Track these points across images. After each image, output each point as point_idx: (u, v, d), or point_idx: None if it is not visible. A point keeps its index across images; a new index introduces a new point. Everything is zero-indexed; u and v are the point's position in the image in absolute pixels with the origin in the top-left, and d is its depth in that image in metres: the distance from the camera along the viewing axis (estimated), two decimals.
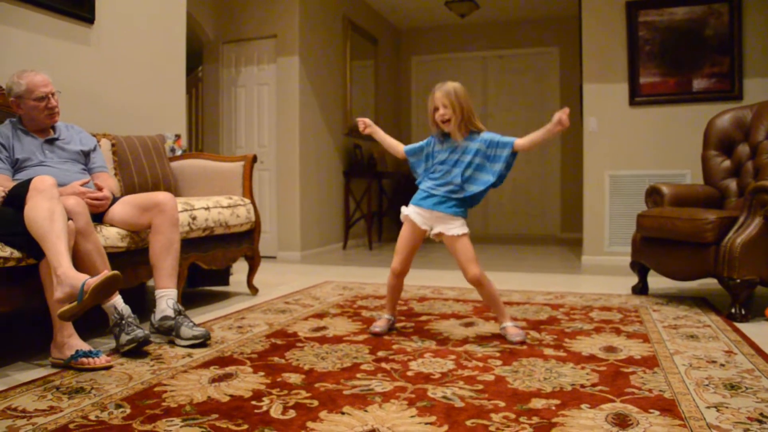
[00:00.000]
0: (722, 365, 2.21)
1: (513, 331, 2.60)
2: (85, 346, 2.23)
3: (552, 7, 7.56)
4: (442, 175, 2.61)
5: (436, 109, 2.58)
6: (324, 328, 2.85)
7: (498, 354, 2.37)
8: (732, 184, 3.81)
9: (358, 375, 2.11)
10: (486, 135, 2.60)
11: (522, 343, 2.52)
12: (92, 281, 2.06)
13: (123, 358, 2.32)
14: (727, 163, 3.87)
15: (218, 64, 6.17)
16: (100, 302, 2.14)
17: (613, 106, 5.31)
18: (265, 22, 5.93)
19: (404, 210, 2.69)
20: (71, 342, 2.23)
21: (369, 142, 7.45)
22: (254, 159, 3.79)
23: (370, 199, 6.83)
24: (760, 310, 3.06)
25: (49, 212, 2.18)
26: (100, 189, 2.72)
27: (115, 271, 2.13)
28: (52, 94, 2.71)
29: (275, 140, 5.93)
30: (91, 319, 2.58)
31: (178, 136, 4.20)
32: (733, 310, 3.01)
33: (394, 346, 2.50)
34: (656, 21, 5.20)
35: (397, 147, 2.80)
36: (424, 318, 3.07)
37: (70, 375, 2.12)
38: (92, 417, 1.72)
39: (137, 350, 2.38)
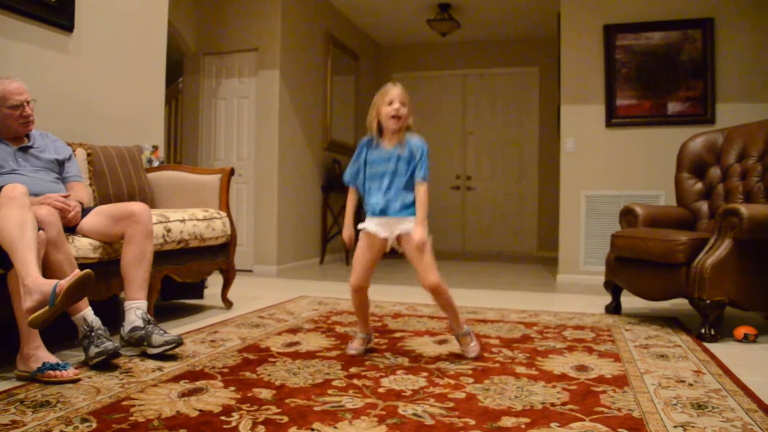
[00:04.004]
0: (690, 385, 2.23)
1: (468, 341, 2.61)
2: (52, 359, 2.19)
3: (532, 29, 7.68)
4: (386, 188, 2.52)
5: (391, 103, 2.50)
6: (297, 343, 2.84)
7: (470, 371, 2.38)
8: (704, 206, 3.87)
9: (330, 391, 2.10)
10: (415, 144, 2.52)
11: (477, 358, 2.55)
12: (65, 282, 2.04)
13: (92, 371, 2.28)
14: (699, 185, 3.94)
15: (199, 75, 6.15)
16: (73, 304, 2.11)
17: (590, 127, 5.39)
18: (246, 35, 5.93)
19: (360, 226, 2.61)
20: (38, 354, 2.19)
21: (348, 157, 7.46)
22: (231, 172, 3.78)
23: None
24: (729, 331, 3.10)
25: (19, 221, 2.15)
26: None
27: (88, 270, 2.10)
28: (27, 103, 2.69)
29: (254, 153, 5.92)
30: (59, 331, 2.54)
31: (155, 147, 4.18)
32: (702, 330, 3.05)
33: (367, 363, 2.50)
34: (633, 45, 5.30)
35: (355, 197, 2.69)
36: (398, 334, 3.07)
37: (36, 388, 2.08)
38: (56, 431, 1.69)
39: (106, 363, 2.34)
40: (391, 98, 2.52)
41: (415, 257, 2.52)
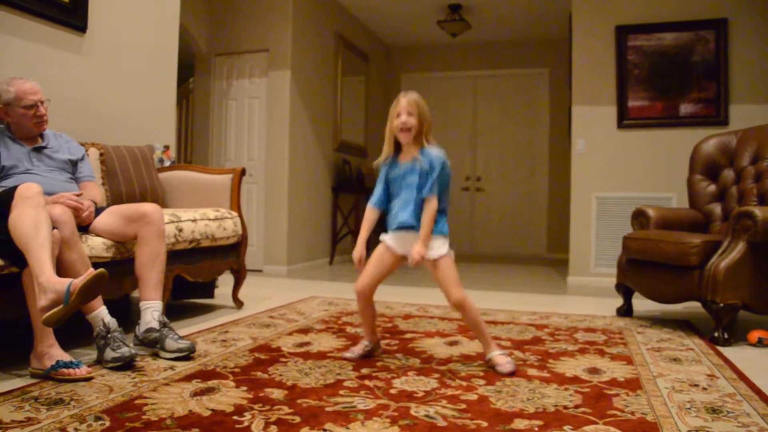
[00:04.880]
0: (704, 389, 2.22)
1: (502, 360, 2.41)
2: (66, 357, 2.20)
3: (543, 29, 7.65)
4: (404, 201, 2.46)
5: (399, 115, 2.43)
6: (308, 343, 2.84)
7: (482, 373, 2.37)
8: (717, 208, 3.85)
9: (341, 392, 2.10)
10: (431, 158, 2.42)
11: (512, 374, 2.35)
12: (78, 281, 2.05)
13: (104, 370, 2.29)
14: (712, 187, 3.91)
15: (210, 76, 6.17)
16: (87, 302, 2.12)
17: (602, 129, 5.37)
18: (257, 36, 5.95)
19: (382, 237, 2.55)
20: (52, 352, 2.20)
21: (358, 158, 7.48)
22: (243, 172, 3.79)
23: (357, 214, 6.83)
24: (743, 334, 3.08)
25: (34, 220, 2.16)
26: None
27: (101, 269, 2.11)
28: (41, 102, 2.71)
29: (264, 154, 5.93)
30: (73, 329, 2.55)
31: (167, 147, 4.19)
32: (716, 334, 3.03)
33: (378, 364, 2.49)
34: (645, 46, 5.27)
35: (373, 217, 2.58)
36: (408, 336, 3.07)
37: (50, 386, 2.09)
38: (70, 429, 1.70)
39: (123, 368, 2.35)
40: (399, 110, 2.44)
41: (438, 275, 2.44)
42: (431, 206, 2.42)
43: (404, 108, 2.43)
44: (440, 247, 2.45)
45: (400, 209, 2.48)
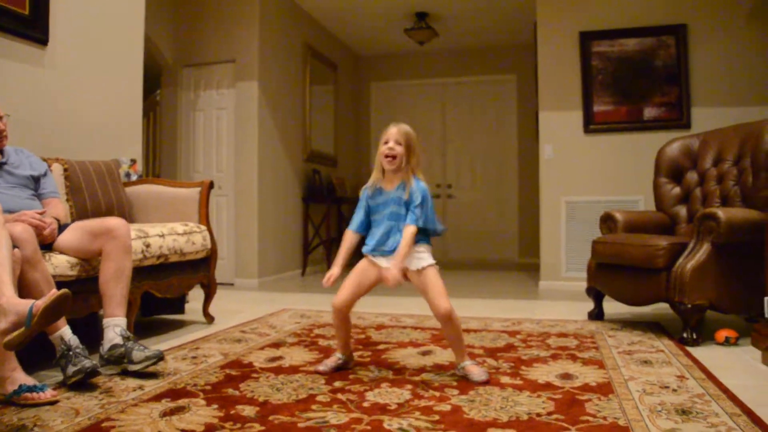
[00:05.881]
0: (674, 390, 2.24)
1: (475, 370, 2.42)
2: (29, 381, 2.14)
3: (509, 36, 7.73)
4: (386, 228, 2.47)
5: (386, 142, 2.46)
6: (280, 357, 2.80)
7: (455, 383, 2.36)
8: (682, 210, 3.91)
9: (314, 406, 2.08)
10: (414, 189, 2.43)
11: (486, 382, 2.36)
12: (41, 302, 1.99)
13: (70, 392, 2.23)
14: (677, 190, 3.98)
15: (176, 87, 6.11)
16: (50, 324, 2.07)
17: (569, 134, 5.43)
18: (224, 47, 5.91)
19: (365, 250, 2.55)
20: (15, 376, 2.14)
21: (328, 167, 7.45)
22: (211, 185, 3.74)
23: (329, 224, 6.81)
24: (711, 334, 3.12)
25: None
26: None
27: (65, 290, 2.06)
28: (0, 118, 2.65)
29: (233, 165, 5.88)
30: (36, 351, 2.49)
31: (133, 161, 4.13)
32: (684, 335, 3.07)
33: (351, 376, 2.47)
34: (608, 51, 5.36)
35: (352, 241, 2.57)
36: (381, 346, 3.05)
37: (12, 411, 2.03)
38: None
39: (85, 382, 2.30)
40: (387, 138, 2.46)
41: (424, 285, 2.42)
42: (410, 232, 2.41)
43: (393, 136, 2.46)
44: (427, 258, 2.45)
45: (385, 237, 2.48)
